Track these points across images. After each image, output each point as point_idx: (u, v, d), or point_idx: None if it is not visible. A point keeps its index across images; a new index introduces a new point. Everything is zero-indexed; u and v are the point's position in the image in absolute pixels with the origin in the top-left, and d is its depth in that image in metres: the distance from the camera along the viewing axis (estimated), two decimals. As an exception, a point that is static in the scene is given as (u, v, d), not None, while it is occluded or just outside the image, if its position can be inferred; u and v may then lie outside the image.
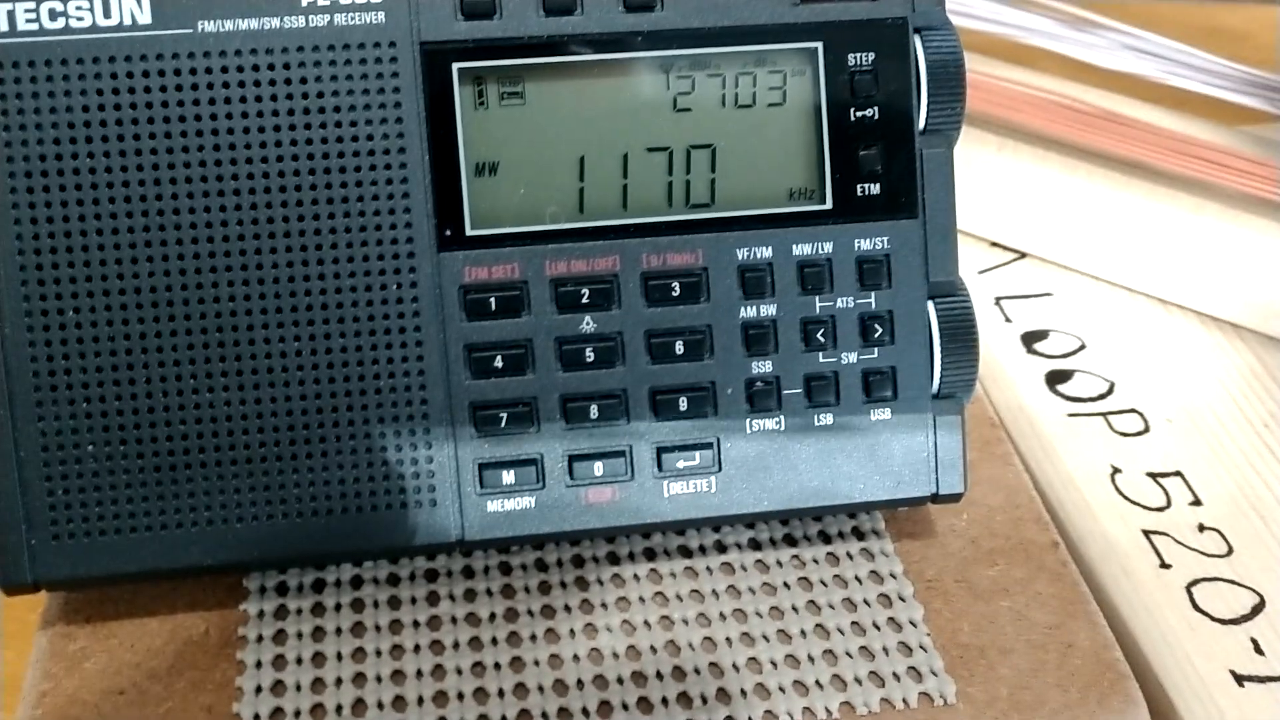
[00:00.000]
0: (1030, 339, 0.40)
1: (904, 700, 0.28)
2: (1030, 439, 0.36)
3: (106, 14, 0.26)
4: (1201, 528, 0.33)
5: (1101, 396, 0.37)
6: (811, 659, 0.29)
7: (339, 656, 0.29)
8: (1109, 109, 0.40)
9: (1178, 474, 0.35)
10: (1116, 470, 0.35)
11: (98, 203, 0.27)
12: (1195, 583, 0.32)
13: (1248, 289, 0.39)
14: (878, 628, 0.30)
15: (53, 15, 0.26)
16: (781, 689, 0.28)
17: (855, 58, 0.29)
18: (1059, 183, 0.41)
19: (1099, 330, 0.40)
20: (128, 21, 0.27)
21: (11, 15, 0.26)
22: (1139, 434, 0.36)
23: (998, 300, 0.41)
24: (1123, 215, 0.40)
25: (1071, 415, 0.37)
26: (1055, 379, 0.38)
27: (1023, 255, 0.43)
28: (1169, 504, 0.34)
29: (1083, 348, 0.39)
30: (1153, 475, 0.35)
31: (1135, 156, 0.39)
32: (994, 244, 0.43)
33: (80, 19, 0.26)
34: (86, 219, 0.27)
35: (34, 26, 0.26)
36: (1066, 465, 0.35)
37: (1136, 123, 0.39)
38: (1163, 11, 0.63)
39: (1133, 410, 0.37)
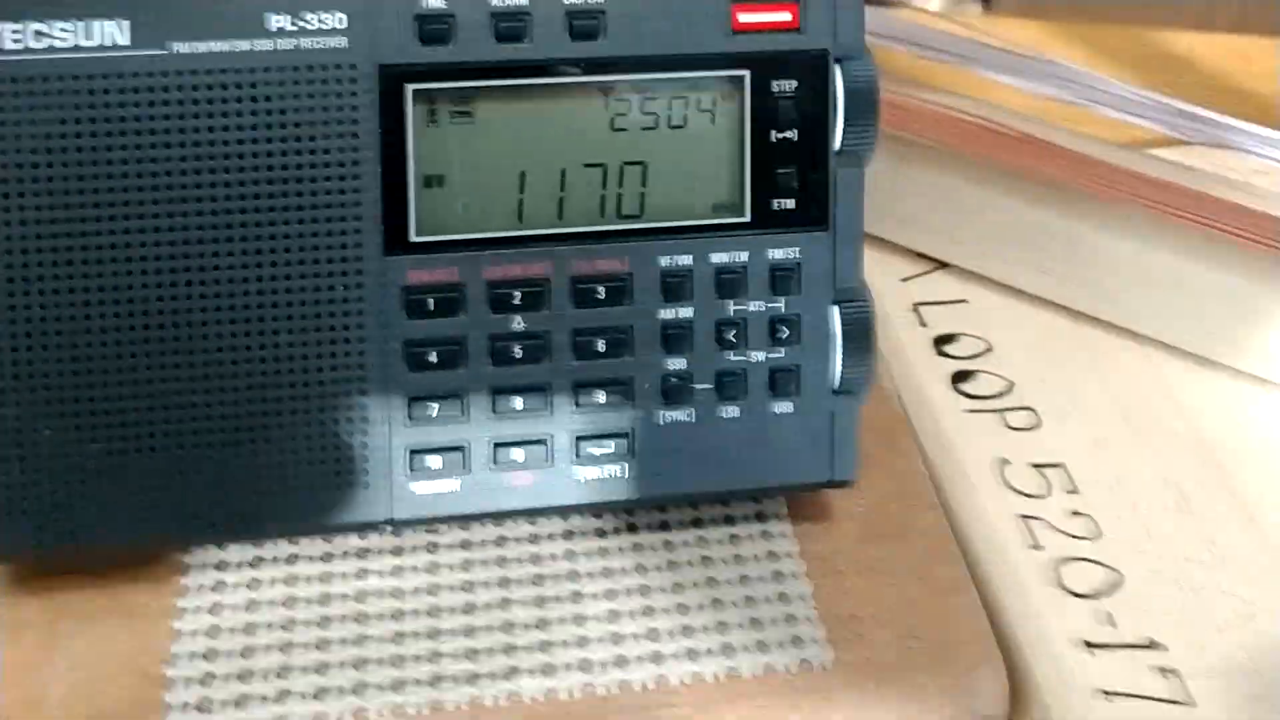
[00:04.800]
0: (941, 341, 0.43)
1: (785, 666, 0.32)
2: (931, 432, 0.40)
3: (88, 35, 0.29)
4: (1075, 513, 0.37)
5: (1000, 395, 0.41)
6: (705, 629, 0.33)
7: (268, 626, 0.32)
8: (1027, 131, 0.43)
9: (1060, 466, 0.39)
10: (1005, 461, 0.39)
11: (73, 207, 0.30)
12: (1063, 561, 0.36)
13: (1144, 298, 0.43)
14: (768, 601, 0.33)
15: (38, 36, 0.29)
16: (674, 655, 0.32)
17: (779, 85, 0.32)
18: (978, 198, 0.44)
19: (1005, 335, 0.44)
20: (108, 43, 0.29)
21: (1, 34, 0.29)
22: (1030, 429, 0.40)
23: (915, 305, 0.44)
24: (1035, 230, 0.44)
25: (970, 411, 0.40)
26: (959, 378, 0.42)
27: (943, 265, 0.46)
28: (1049, 491, 0.38)
29: (988, 350, 0.43)
30: (1037, 466, 0.39)
31: (1049, 175, 0.42)
32: (919, 254, 0.47)
33: (64, 40, 0.29)
34: (62, 222, 0.29)
35: (20, 46, 0.29)
36: (960, 456, 0.39)
37: (1051, 145, 0.42)
38: (1107, 38, 0.66)
39: (1027, 408, 0.41)
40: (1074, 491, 0.38)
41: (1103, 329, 0.44)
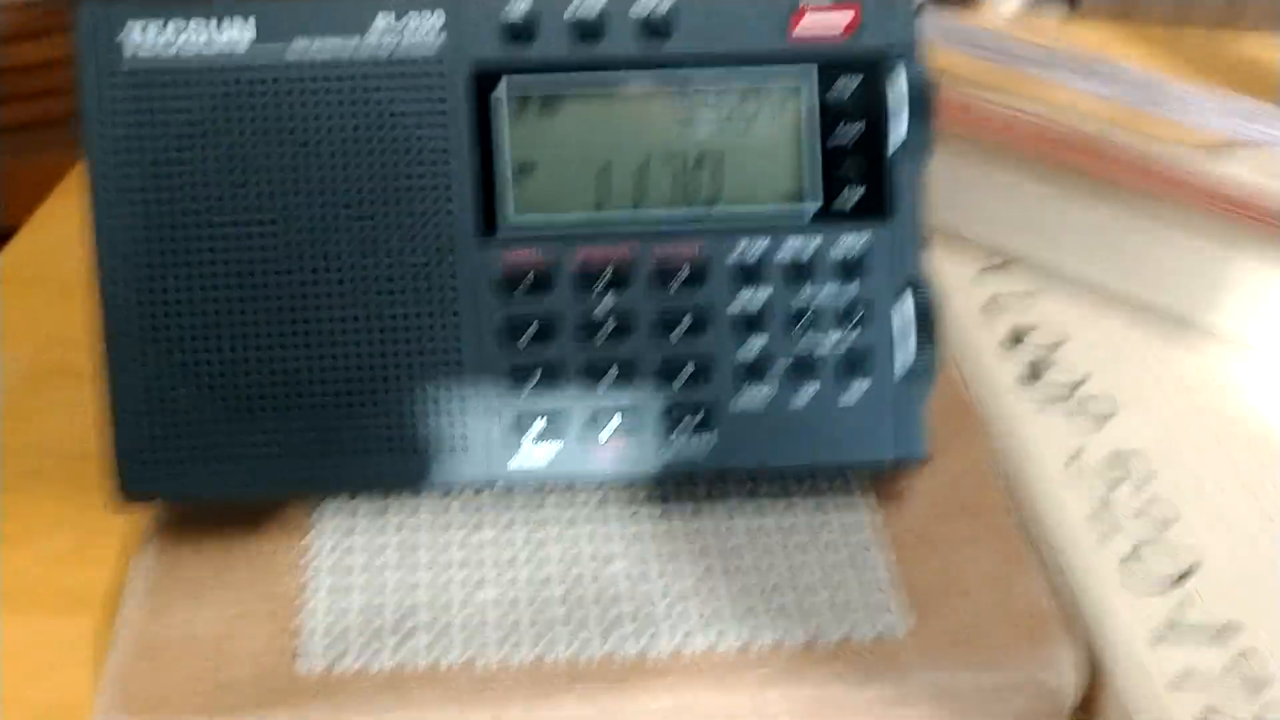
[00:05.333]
0: (1015, 337, 0.44)
1: (861, 634, 0.33)
2: (1005, 421, 0.40)
3: (216, 36, 0.32)
4: (1150, 501, 0.37)
5: (1073, 387, 0.42)
6: (787, 591, 0.34)
7: (388, 581, 0.34)
8: (1086, 133, 0.44)
9: (1135, 453, 0.39)
10: (1079, 451, 0.39)
11: (202, 191, 0.32)
12: (1135, 548, 0.36)
13: (1209, 293, 0.43)
14: (846, 570, 0.35)
15: (171, 38, 0.32)
16: (757, 622, 0.33)
17: (842, 82, 0.34)
18: (1047, 196, 0.45)
19: (1080, 331, 0.44)
20: (231, 44, 0.32)
21: (143, 37, 0.32)
22: (1105, 418, 0.40)
23: (988, 299, 0.45)
24: (1104, 226, 0.44)
25: (1043, 402, 0.41)
26: (1033, 370, 0.42)
27: (1015, 260, 0.47)
28: (1123, 479, 0.38)
29: (1061, 344, 0.43)
30: (1112, 454, 0.39)
31: (1108, 177, 0.43)
32: (991, 250, 0.47)
33: (193, 41, 0.32)
34: (193, 205, 0.32)
35: (155, 48, 0.32)
36: (1033, 445, 0.39)
37: (1108, 146, 0.43)
38: (1186, 41, 0.67)
39: (1098, 399, 0.41)
40: (1150, 479, 0.38)
41: (1171, 322, 0.44)
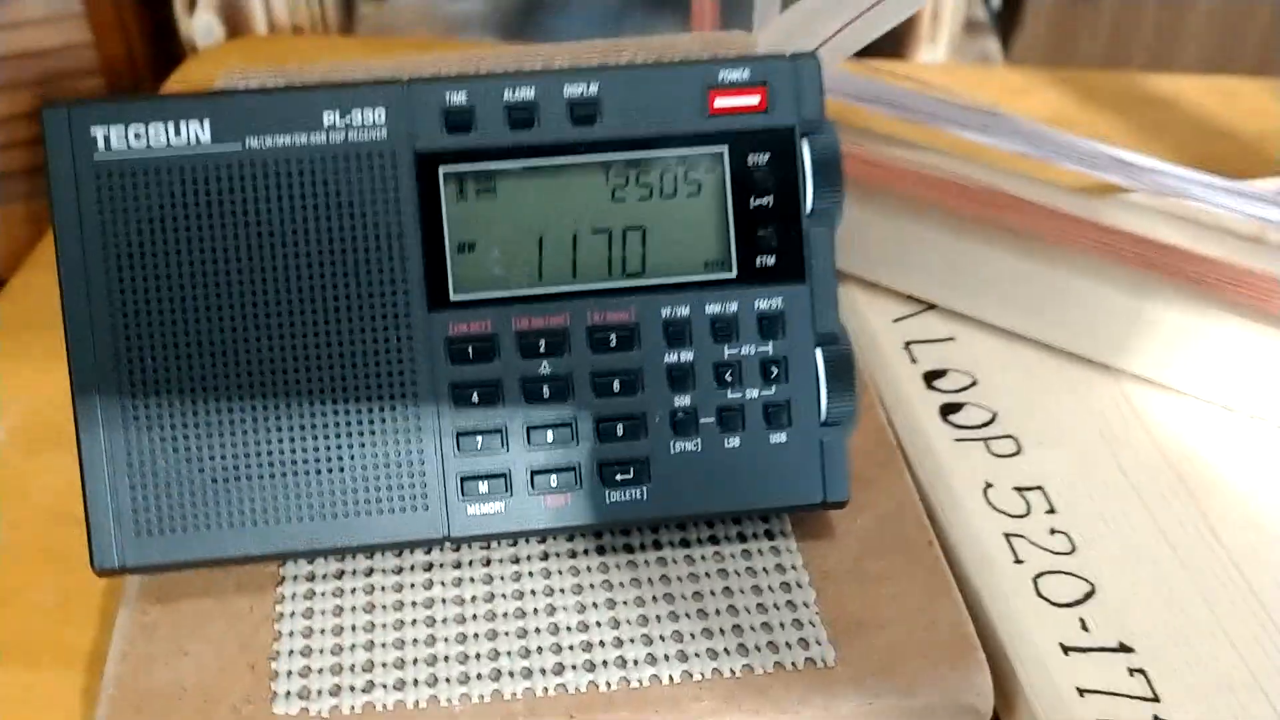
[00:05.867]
0: (930, 376, 0.46)
1: (793, 664, 0.36)
2: (923, 458, 0.43)
3: (176, 134, 0.35)
4: (1053, 531, 0.41)
5: (985, 424, 0.45)
6: (722, 631, 0.36)
7: (353, 628, 0.37)
8: (995, 185, 0.47)
9: (1039, 488, 0.42)
10: (989, 485, 0.42)
11: (168, 275, 0.35)
12: (1041, 575, 0.39)
13: (1112, 332, 0.47)
14: (777, 608, 0.37)
15: (136, 136, 0.35)
16: (697, 654, 0.36)
17: (754, 157, 0.37)
18: (958, 245, 0.48)
19: (989, 369, 0.47)
20: (192, 140, 0.35)
21: (107, 138, 0.35)
22: (1012, 455, 0.43)
23: (907, 344, 0.48)
24: (1012, 273, 0.48)
25: (958, 440, 0.44)
26: (948, 410, 0.45)
27: (931, 306, 0.50)
28: (1029, 512, 0.41)
29: (974, 384, 0.46)
30: (1019, 489, 0.42)
31: (1020, 226, 0.47)
32: (908, 297, 0.50)
33: (157, 138, 0.35)
34: (162, 291, 0.35)
35: (123, 146, 0.35)
36: (949, 480, 0.42)
37: (1008, 195, 0.46)
38: (1106, 84, 0.71)
39: (1009, 436, 0.44)
40: (1051, 512, 0.41)
41: (1075, 362, 0.47)
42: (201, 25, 1.02)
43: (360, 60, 0.44)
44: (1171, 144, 0.65)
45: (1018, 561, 0.39)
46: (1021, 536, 0.40)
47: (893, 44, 1.04)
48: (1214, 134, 0.67)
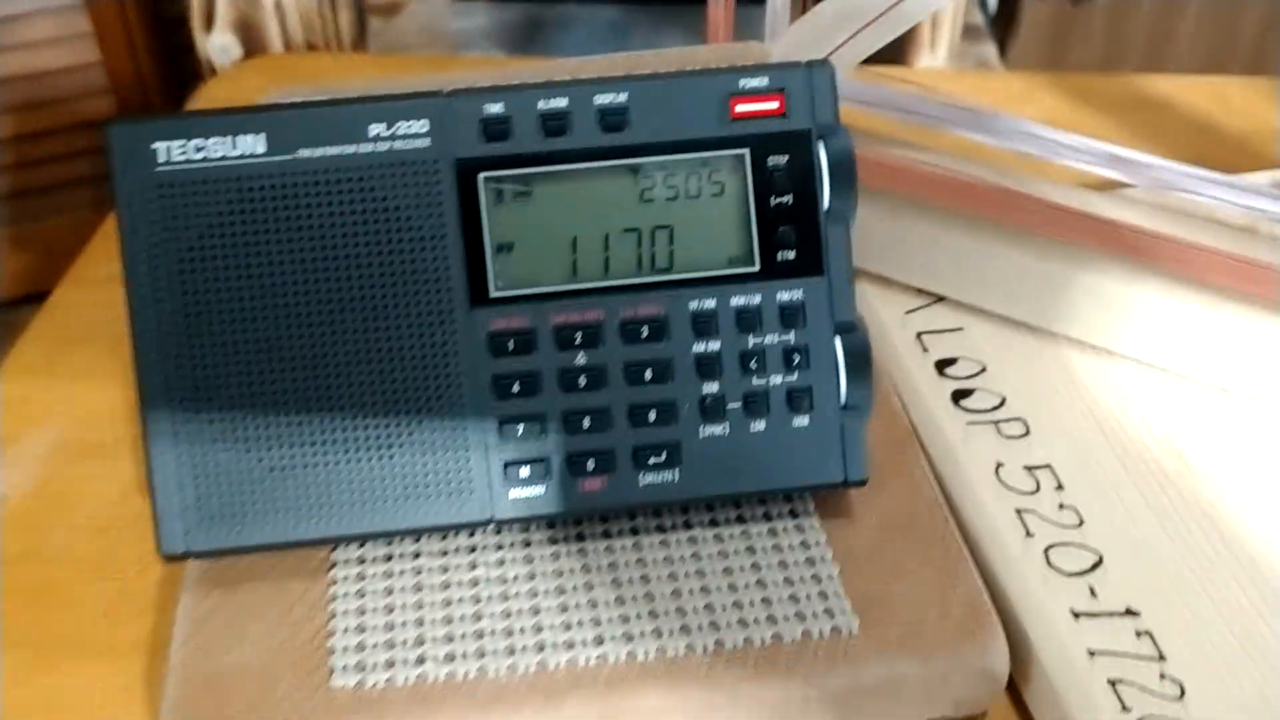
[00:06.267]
0: (942, 365, 0.49)
1: (820, 633, 0.38)
2: (937, 441, 0.46)
3: (233, 147, 0.37)
4: (1061, 506, 0.43)
5: (994, 409, 0.47)
6: (751, 604, 0.39)
7: (403, 607, 0.39)
8: (1002, 183, 0.50)
9: (1048, 466, 0.45)
10: (1000, 464, 0.44)
11: (227, 279, 0.37)
12: (1051, 547, 0.41)
13: (1112, 319, 0.49)
14: (803, 581, 0.39)
15: (195, 149, 0.37)
16: (729, 625, 0.38)
17: (773, 159, 0.39)
18: (966, 242, 0.51)
19: (998, 357, 0.49)
20: (247, 152, 0.37)
21: (168, 151, 0.37)
22: (1021, 436, 0.46)
23: (918, 335, 0.50)
24: (1016, 266, 0.50)
25: (970, 424, 0.46)
26: (959, 395, 0.47)
27: (940, 299, 0.52)
28: (1038, 489, 0.44)
29: (983, 370, 0.49)
30: (1028, 468, 0.44)
31: (1023, 221, 0.49)
32: (919, 290, 0.52)
33: (215, 151, 0.37)
34: (221, 294, 0.37)
35: (182, 158, 0.37)
36: (962, 461, 0.45)
37: (1025, 196, 0.48)
38: (1103, 87, 0.73)
39: (1018, 419, 0.47)
40: (1060, 488, 0.44)
41: (1079, 348, 0.50)
42: (218, 44, 1.05)
43: (399, 76, 0.47)
44: (1166, 142, 0.67)
45: (1029, 535, 0.42)
46: (1032, 512, 0.43)
47: (894, 52, 1.06)
48: (1206, 132, 0.69)
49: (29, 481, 0.48)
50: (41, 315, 0.57)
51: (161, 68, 1.56)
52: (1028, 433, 0.46)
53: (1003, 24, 1.57)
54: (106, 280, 0.59)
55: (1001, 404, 0.47)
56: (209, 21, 1.04)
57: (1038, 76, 0.75)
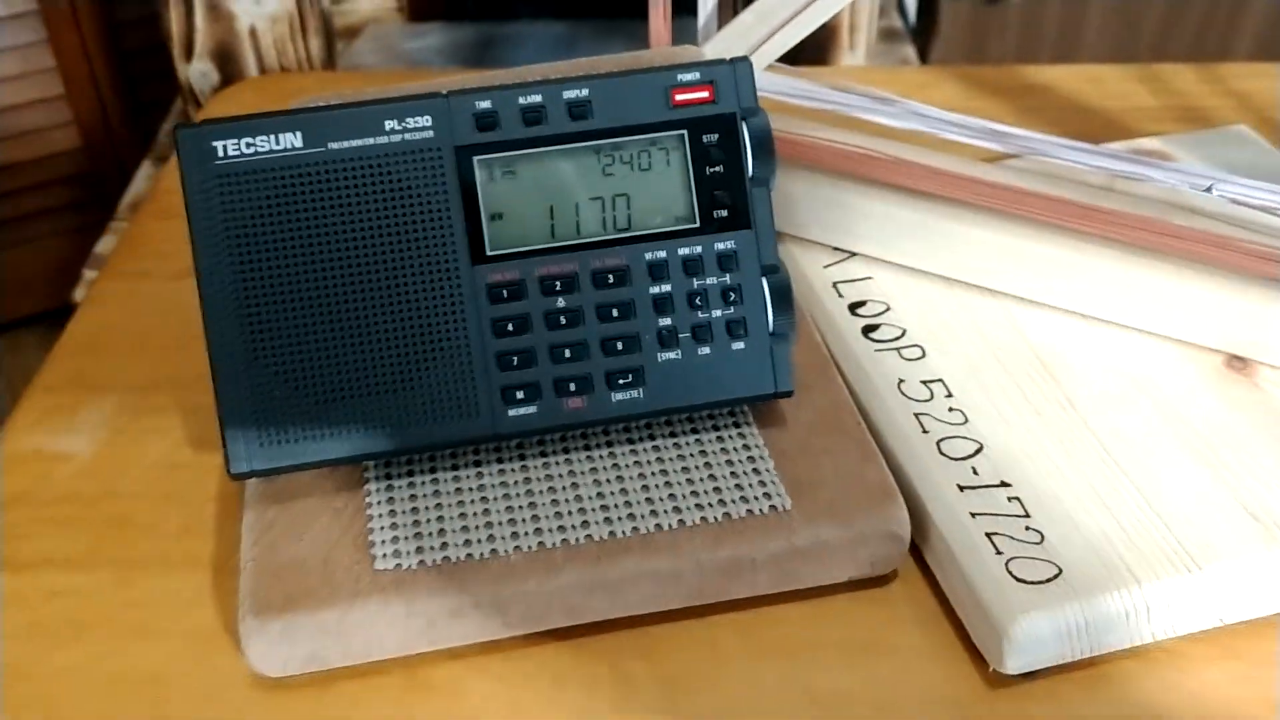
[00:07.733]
0: (854, 306, 0.58)
1: (760, 510, 0.48)
2: (849, 365, 0.56)
3: (276, 142, 0.47)
4: (950, 410, 0.53)
5: (897, 339, 0.57)
6: (705, 491, 0.48)
7: (426, 508, 0.48)
8: (897, 155, 0.60)
9: (940, 380, 0.55)
10: (902, 380, 0.54)
11: (277, 249, 0.46)
12: (942, 439, 0.51)
13: (994, 264, 0.59)
14: (745, 474, 0.49)
15: (246, 145, 0.47)
16: (688, 508, 0.48)
17: (707, 137, 0.49)
18: (871, 205, 0.61)
19: (900, 299, 0.59)
20: (288, 146, 0.47)
21: (225, 148, 0.46)
22: (918, 359, 0.56)
23: (834, 284, 0.60)
24: (912, 223, 0.60)
25: (877, 350, 0.56)
26: (868, 330, 0.57)
27: (852, 254, 0.62)
28: (932, 397, 0.54)
29: (888, 309, 0.59)
30: (924, 381, 0.54)
31: (918, 185, 0.59)
32: (835, 248, 0.62)
33: (262, 146, 0.47)
34: (272, 262, 0.46)
35: (236, 153, 0.47)
36: (871, 378, 0.55)
37: (916, 164, 0.59)
38: (993, 78, 0.84)
39: (917, 345, 0.56)
40: (949, 395, 0.54)
41: (968, 289, 0.60)
42: (198, 70, 1.13)
43: (399, 84, 0.56)
44: (1046, 120, 0.78)
45: (924, 431, 0.52)
46: (927, 414, 0.53)
47: (816, 53, 1.17)
48: (1082, 111, 0.80)
49: (93, 446, 0.57)
50: (85, 306, 0.66)
51: (122, 99, 1.64)
52: (924, 355, 0.56)
53: (924, 28, 1.68)
54: (137, 275, 0.69)
55: (903, 334, 0.57)
56: (189, 51, 1.13)
57: (938, 70, 0.86)
